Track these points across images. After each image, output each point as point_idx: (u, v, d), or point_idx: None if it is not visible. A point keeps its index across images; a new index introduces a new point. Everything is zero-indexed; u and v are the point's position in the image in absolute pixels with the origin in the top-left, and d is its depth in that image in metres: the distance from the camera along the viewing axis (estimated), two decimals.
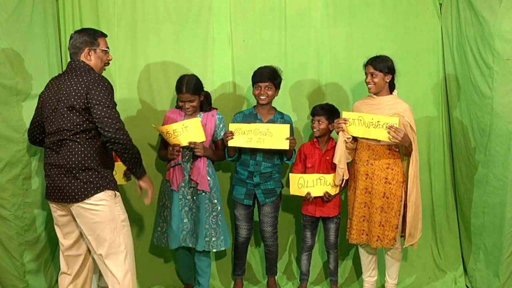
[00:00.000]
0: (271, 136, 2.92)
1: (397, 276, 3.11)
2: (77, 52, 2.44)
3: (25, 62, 2.82)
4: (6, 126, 2.71)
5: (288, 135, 2.92)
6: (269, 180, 3.08)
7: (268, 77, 3.00)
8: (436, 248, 3.51)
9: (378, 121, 2.73)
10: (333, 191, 3.02)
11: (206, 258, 3.08)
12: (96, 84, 2.31)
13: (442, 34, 3.46)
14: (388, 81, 2.86)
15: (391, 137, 2.68)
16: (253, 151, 3.04)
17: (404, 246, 2.93)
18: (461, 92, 3.28)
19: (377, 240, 2.88)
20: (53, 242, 3.17)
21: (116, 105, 2.38)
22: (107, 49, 2.52)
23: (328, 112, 3.05)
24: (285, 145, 2.92)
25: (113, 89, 2.41)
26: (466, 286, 3.36)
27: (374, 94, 2.91)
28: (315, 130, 3.08)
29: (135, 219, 3.34)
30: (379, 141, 2.81)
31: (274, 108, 3.15)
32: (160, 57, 3.39)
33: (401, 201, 2.85)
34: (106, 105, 2.29)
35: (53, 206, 2.45)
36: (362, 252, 3.11)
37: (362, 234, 2.95)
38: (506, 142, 2.86)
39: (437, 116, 3.49)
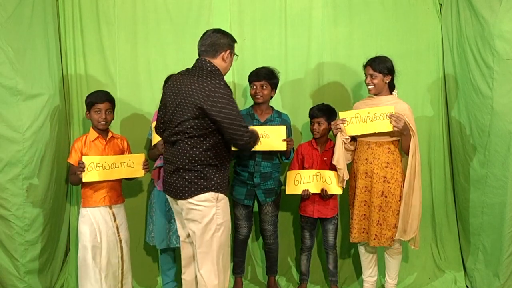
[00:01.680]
0: (268, 138, 2.90)
1: (397, 276, 3.11)
2: (216, 50, 2.43)
3: (25, 62, 2.82)
4: (6, 126, 2.71)
5: (284, 136, 2.91)
6: (269, 180, 3.09)
7: (263, 76, 3.01)
8: (436, 248, 3.51)
9: (375, 113, 2.77)
10: (331, 189, 2.98)
11: None
12: (216, 92, 2.29)
13: (442, 34, 3.46)
14: (387, 81, 2.87)
15: (393, 125, 2.71)
16: (252, 152, 3.03)
17: (394, 238, 2.89)
18: (460, 92, 3.28)
19: (374, 239, 2.88)
20: (53, 242, 3.17)
21: (237, 109, 2.36)
22: (237, 55, 2.57)
23: (327, 113, 3.05)
24: (282, 147, 2.91)
25: (232, 94, 2.38)
26: (466, 286, 3.36)
27: (374, 94, 2.91)
28: (315, 132, 3.07)
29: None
30: (378, 134, 2.82)
31: (271, 107, 3.16)
32: (160, 57, 3.39)
33: (399, 200, 2.85)
34: (229, 116, 2.29)
35: (169, 197, 2.57)
36: (362, 251, 3.11)
37: (363, 232, 2.95)
38: (506, 142, 2.86)
39: (437, 116, 3.49)
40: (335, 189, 2.98)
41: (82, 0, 3.34)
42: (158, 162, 2.98)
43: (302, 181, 3.02)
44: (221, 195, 2.45)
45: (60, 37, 3.33)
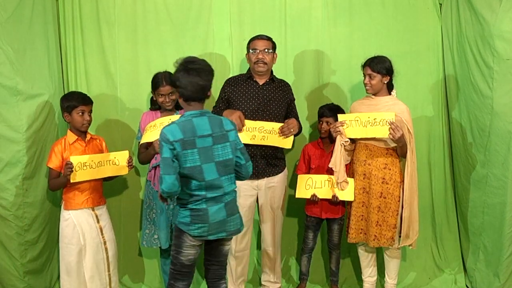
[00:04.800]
0: (275, 134, 2.86)
1: (397, 276, 3.11)
2: None
3: (25, 62, 2.82)
4: (6, 126, 2.71)
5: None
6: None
7: None
8: (436, 248, 3.51)
9: (375, 119, 2.75)
10: (343, 195, 2.95)
11: None
12: None
13: (442, 34, 3.46)
14: (386, 82, 2.86)
15: (390, 133, 2.69)
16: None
17: (399, 246, 2.91)
18: (460, 92, 3.28)
19: (374, 240, 2.87)
20: (53, 242, 3.17)
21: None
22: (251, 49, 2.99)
23: (336, 113, 3.03)
24: (288, 144, 2.86)
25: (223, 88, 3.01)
26: (466, 286, 3.36)
27: (373, 94, 2.91)
28: (323, 131, 3.07)
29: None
30: (377, 139, 2.82)
31: None
32: (160, 57, 3.38)
33: (398, 201, 2.85)
34: None
35: None
36: (361, 252, 3.11)
37: (360, 233, 2.95)
38: (506, 142, 2.86)
39: (437, 116, 3.49)
40: (347, 195, 2.95)
41: (82, 0, 3.34)
42: (154, 162, 2.95)
43: (314, 185, 2.99)
44: None
45: (60, 37, 3.33)
